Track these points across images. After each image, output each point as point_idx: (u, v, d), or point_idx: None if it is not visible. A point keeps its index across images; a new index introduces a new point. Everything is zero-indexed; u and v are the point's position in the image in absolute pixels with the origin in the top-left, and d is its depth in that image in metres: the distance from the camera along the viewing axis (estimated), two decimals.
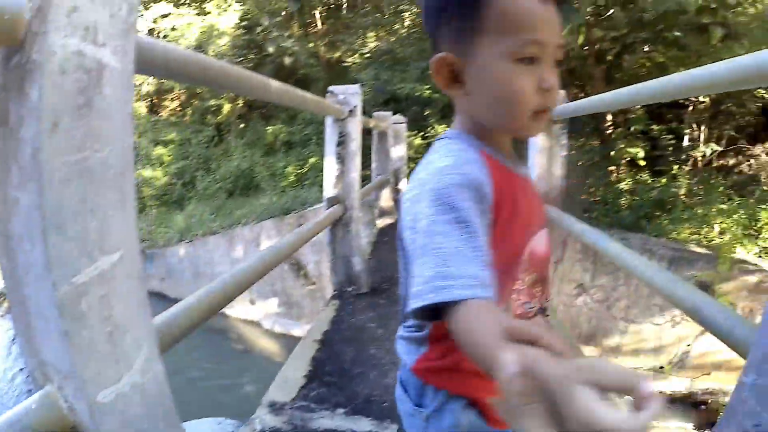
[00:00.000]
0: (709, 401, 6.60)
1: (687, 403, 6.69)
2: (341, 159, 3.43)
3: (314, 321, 3.22)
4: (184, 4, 16.38)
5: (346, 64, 15.72)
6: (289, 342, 9.64)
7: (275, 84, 1.99)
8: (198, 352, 8.52)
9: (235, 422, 2.98)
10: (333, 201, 3.43)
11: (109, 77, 0.74)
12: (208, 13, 15.80)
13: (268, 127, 15.20)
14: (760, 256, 7.53)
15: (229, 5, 15.71)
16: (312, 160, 13.33)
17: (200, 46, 15.17)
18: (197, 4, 16.38)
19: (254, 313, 10.99)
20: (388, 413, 2.08)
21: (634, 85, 2.04)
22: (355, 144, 3.48)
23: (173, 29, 15.36)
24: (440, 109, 13.77)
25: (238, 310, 10.69)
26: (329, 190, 3.46)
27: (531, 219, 0.89)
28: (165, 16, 15.44)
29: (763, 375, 0.92)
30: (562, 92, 3.38)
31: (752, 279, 6.94)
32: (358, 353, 2.69)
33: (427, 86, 13.24)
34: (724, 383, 6.23)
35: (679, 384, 6.67)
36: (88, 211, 0.70)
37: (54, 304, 0.68)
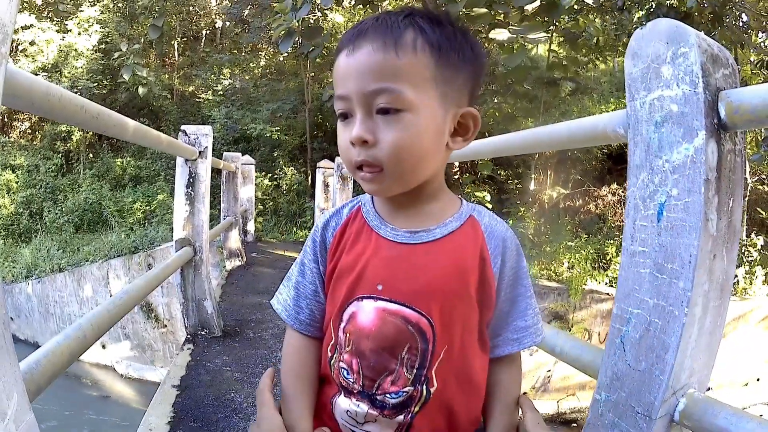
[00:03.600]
0: (579, 419, 7.24)
1: (557, 422, 7.25)
2: (190, 200, 3.36)
3: (170, 366, 3.10)
4: (47, 17, 15.41)
5: (199, 99, 15.51)
6: (144, 387, 9.30)
7: (132, 123, 1.94)
8: (54, 400, 7.98)
9: None
10: (183, 243, 3.32)
11: None
12: (69, 30, 15.01)
13: (118, 160, 14.57)
14: (610, 286, 8.36)
15: (90, 25, 14.98)
16: (160, 196, 12.94)
17: (56, 65, 14.58)
18: (59, 20, 15.49)
19: (107, 357, 10.48)
20: None
21: (483, 140, 2.13)
22: (205, 185, 3.44)
23: (32, 44, 14.55)
24: (289, 151, 13.91)
25: (90, 354, 10.04)
26: (178, 231, 3.35)
27: (365, 282, 0.85)
28: (27, 27, 14.44)
29: (614, 391, 1.04)
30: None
31: (605, 306, 7.78)
32: (218, 398, 2.64)
33: (277, 128, 13.36)
34: (588, 401, 6.88)
35: (546, 406, 7.21)
36: None
37: None
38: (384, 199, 0.89)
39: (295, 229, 12.34)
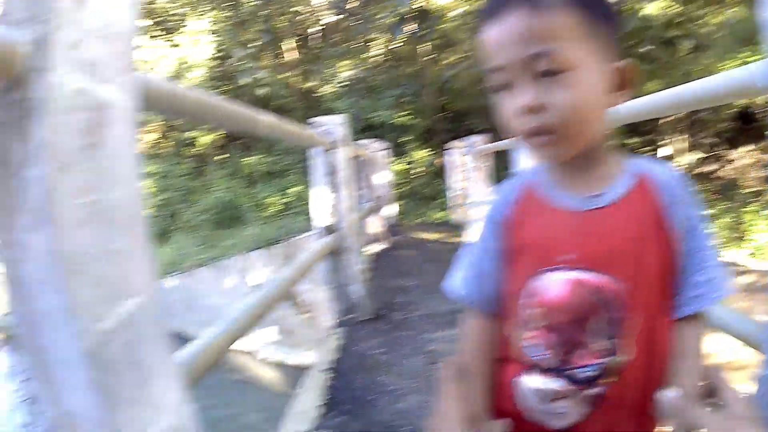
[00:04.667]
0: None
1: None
2: (332, 188, 3.45)
3: (320, 350, 3.20)
4: (155, 36, 16.46)
5: (319, 94, 15.89)
6: (285, 371, 9.62)
7: (265, 118, 1.98)
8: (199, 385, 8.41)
9: None
10: (328, 230, 3.41)
11: (115, 115, 0.71)
12: (177, 45, 15.88)
13: (248, 158, 15.28)
14: (750, 257, 7.63)
15: (202, 36, 15.78)
16: (293, 189, 13.40)
17: (176, 78, 15.27)
18: (169, 35, 16.45)
19: (248, 342, 10.87)
20: None
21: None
22: (345, 173, 3.52)
23: (145, 62, 15.38)
24: (417, 135, 13.91)
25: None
26: (322, 219, 3.45)
27: (550, 255, 0.82)
28: (137, 47, 15.51)
29: None
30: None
31: (745, 280, 7.08)
32: (369, 381, 2.67)
33: (402, 113, 13.39)
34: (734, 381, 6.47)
35: None
36: (106, 254, 0.67)
37: (79, 353, 0.64)
38: (555, 167, 0.86)
39: (431, 211, 12.37)
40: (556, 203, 0.84)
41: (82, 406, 0.68)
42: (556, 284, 0.80)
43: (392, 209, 9.37)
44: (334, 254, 3.45)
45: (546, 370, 0.81)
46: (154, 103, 1.07)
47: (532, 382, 0.83)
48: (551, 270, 0.81)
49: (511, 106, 0.77)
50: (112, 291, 0.68)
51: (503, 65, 0.76)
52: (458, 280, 0.96)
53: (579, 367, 0.79)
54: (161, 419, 0.75)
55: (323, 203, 3.45)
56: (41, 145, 0.61)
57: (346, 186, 3.50)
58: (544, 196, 0.86)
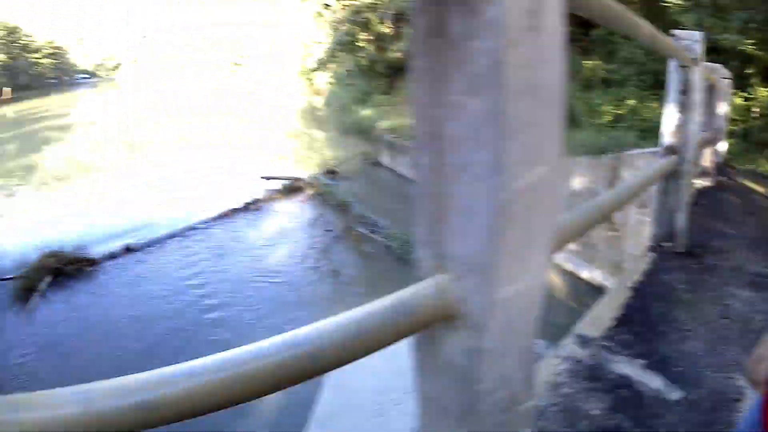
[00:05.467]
0: None
1: None
2: (683, 107, 3.21)
3: (621, 270, 3.23)
4: None
5: (666, 4, 14.22)
6: (574, 282, 9.61)
7: (642, 23, 1.91)
8: None
9: (543, 343, 3.18)
10: (669, 150, 3.23)
11: (551, 4, 0.78)
12: None
13: (587, 62, 14.67)
14: None
15: None
16: (630, 101, 12.59)
17: None
18: None
19: None
20: (676, 378, 2.06)
21: None
22: (699, 94, 3.25)
23: None
24: (761, 69, 11.81)
25: None
26: (666, 138, 3.28)
27: None
28: None
29: None
30: None
31: None
32: (664, 311, 2.63)
33: (751, 41, 11.38)
34: None
35: None
36: (532, 124, 0.77)
37: (490, 204, 0.76)
38: None
39: (764, 160, 10.71)
40: None
41: (465, 251, 0.82)
42: None
43: (723, 146, 8.38)
44: (671, 177, 3.30)
45: None
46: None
47: None
48: None
49: None
50: (530, 156, 0.79)
51: None
52: None
53: None
54: (528, 276, 0.86)
55: (671, 122, 3.26)
56: (492, 22, 0.71)
57: (696, 108, 3.25)
58: None
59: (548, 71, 0.80)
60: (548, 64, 0.80)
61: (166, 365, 0.61)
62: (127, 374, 0.62)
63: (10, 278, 12.04)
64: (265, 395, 0.69)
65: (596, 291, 8.23)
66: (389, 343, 0.79)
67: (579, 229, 1.62)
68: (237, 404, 0.66)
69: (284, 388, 0.69)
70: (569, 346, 2.18)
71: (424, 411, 1.02)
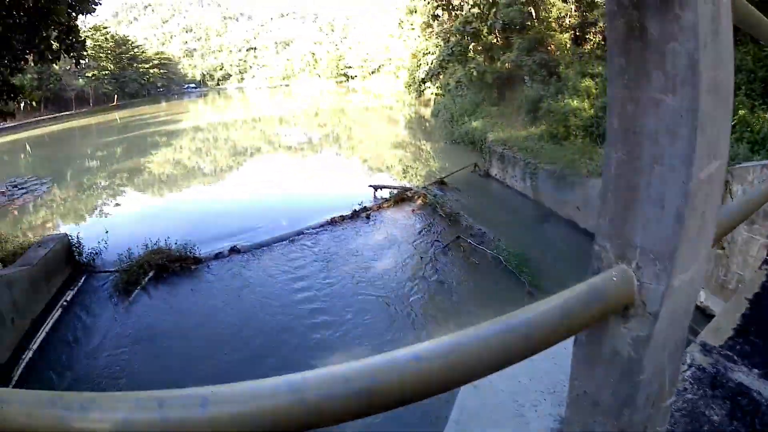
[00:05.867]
0: None
1: None
2: None
3: (748, 282, 3.12)
4: None
5: None
6: None
7: None
8: None
9: None
10: None
11: (725, 10, 0.84)
12: None
13: None
14: None
15: None
16: (740, 111, 11.78)
17: None
18: None
19: None
20: None
21: None
22: None
23: None
24: None
25: None
26: None
27: None
28: None
29: None
30: None
31: None
32: None
33: None
34: None
35: None
36: (714, 120, 0.83)
37: (680, 194, 0.82)
38: None
39: None
40: None
41: (651, 240, 0.87)
42: None
43: None
44: None
45: None
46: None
47: None
48: None
49: None
50: (711, 150, 0.85)
51: None
52: None
53: None
54: (696, 265, 0.91)
55: None
56: (689, 26, 0.78)
57: None
58: None
59: (725, 71, 0.86)
60: (725, 64, 0.85)
61: (265, 368, 0.63)
62: (222, 376, 0.64)
63: (114, 271, 12.98)
64: (482, 377, 0.74)
65: (697, 311, 7.76)
66: (569, 336, 0.85)
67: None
68: (455, 388, 0.71)
69: (497, 370, 0.74)
70: (694, 354, 2.20)
71: (575, 407, 1.07)
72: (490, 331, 0.73)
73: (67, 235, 13.86)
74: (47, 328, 10.74)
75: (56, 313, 11.32)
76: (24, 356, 9.72)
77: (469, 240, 13.27)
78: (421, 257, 12.96)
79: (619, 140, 0.87)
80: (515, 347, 0.75)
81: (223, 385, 0.59)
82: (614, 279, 0.89)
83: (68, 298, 12.00)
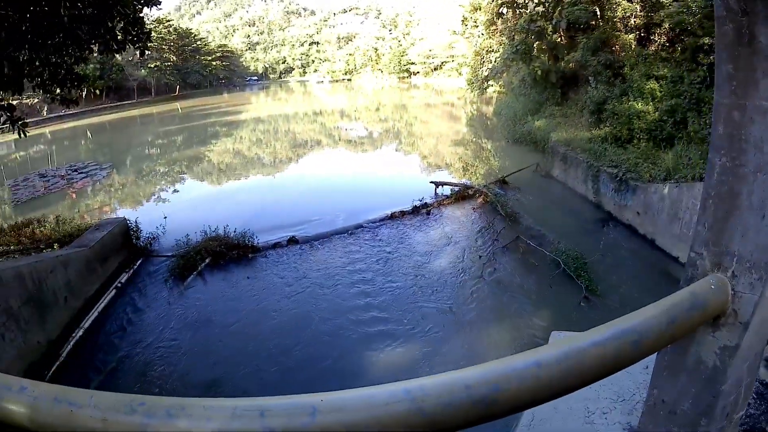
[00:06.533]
0: None
1: None
2: None
3: None
4: None
5: None
6: None
7: None
8: None
9: None
10: None
11: None
12: None
13: None
14: None
15: None
16: None
17: None
18: None
19: None
20: None
21: None
22: None
23: None
24: None
25: None
26: None
27: None
28: None
29: None
30: None
31: None
32: None
33: None
34: None
35: None
36: None
37: None
38: None
39: None
40: None
41: (749, 248, 0.87)
42: None
43: None
44: None
45: None
46: None
47: None
48: None
49: None
50: None
51: None
52: None
53: None
54: None
55: None
56: None
57: None
58: None
59: None
60: None
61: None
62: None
63: (171, 256, 13.24)
64: (594, 382, 0.74)
65: None
66: (671, 342, 0.85)
67: None
68: (570, 393, 0.71)
69: (608, 375, 0.74)
70: (759, 369, 2.15)
71: (650, 415, 1.06)
72: (604, 336, 0.74)
73: (125, 218, 14.12)
74: (99, 308, 11.04)
75: (109, 294, 11.61)
76: (74, 334, 9.99)
77: (528, 241, 13.09)
78: (480, 255, 12.85)
79: (723, 147, 0.87)
80: (625, 353, 0.76)
81: (330, 393, 0.56)
82: (712, 287, 0.89)
83: (122, 280, 12.31)
